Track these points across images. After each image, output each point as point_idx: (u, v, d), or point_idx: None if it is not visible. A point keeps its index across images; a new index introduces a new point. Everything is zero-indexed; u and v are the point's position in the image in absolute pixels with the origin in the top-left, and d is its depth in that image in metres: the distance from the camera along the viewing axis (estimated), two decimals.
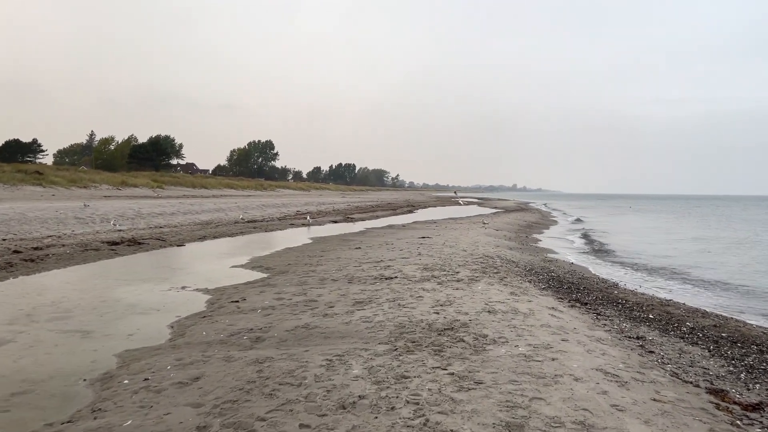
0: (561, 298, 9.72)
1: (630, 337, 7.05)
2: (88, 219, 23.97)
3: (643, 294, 11.34)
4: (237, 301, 9.38)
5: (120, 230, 21.73)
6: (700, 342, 7.17)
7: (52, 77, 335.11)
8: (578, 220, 49.02)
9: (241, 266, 14.15)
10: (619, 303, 9.71)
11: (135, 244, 18.09)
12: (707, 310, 9.99)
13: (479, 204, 77.77)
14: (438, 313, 7.86)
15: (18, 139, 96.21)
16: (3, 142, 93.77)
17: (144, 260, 15.19)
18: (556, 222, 43.92)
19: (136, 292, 10.57)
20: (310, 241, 20.92)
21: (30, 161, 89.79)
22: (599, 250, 22.86)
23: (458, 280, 10.78)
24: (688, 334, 7.58)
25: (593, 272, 14.97)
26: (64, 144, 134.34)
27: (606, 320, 8.15)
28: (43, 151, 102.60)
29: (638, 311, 9.06)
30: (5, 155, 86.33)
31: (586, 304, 9.37)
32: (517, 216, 44.45)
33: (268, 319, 7.92)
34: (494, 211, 55.08)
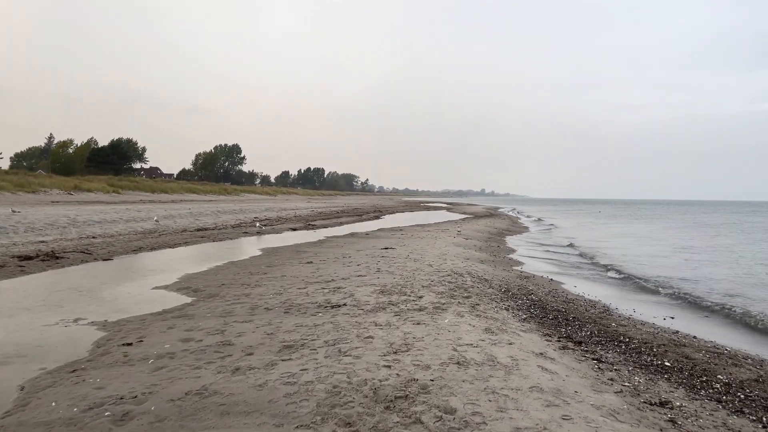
0: (548, 334, 7.75)
1: (651, 404, 5.10)
2: (10, 229, 21.19)
3: (643, 324, 9.44)
4: (130, 344, 7.14)
5: (43, 241, 19.12)
6: (746, 410, 5.27)
7: (11, 76, 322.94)
8: (549, 226, 47.73)
9: (165, 287, 11.86)
10: (621, 341, 7.79)
11: (52, 258, 15.57)
12: (731, 347, 8.14)
13: (448, 209, 76.19)
14: (390, 367, 5.79)
15: None
16: None
17: (49, 280, 12.73)
18: (527, 228, 42.44)
19: (9, 328, 8.23)
20: (260, 253, 18.65)
21: None
22: (578, 261, 21.16)
23: (420, 309, 8.74)
24: (726, 395, 5.70)
25: (577, 291, 13.10)
26: (23, 147, 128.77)
27: (612, 371, 6.20)
28: None
29: (648, 354, 7.15)
30: None
31: (580, 343, 7.42)
32: (486, 222, 42.82)
33: (155, 377, 5.73)
34: (463, 216, 53.44)
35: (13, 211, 26.12)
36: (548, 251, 24.78)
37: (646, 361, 6.80)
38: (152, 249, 19.16)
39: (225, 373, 5.76)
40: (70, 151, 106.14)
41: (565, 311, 9.61)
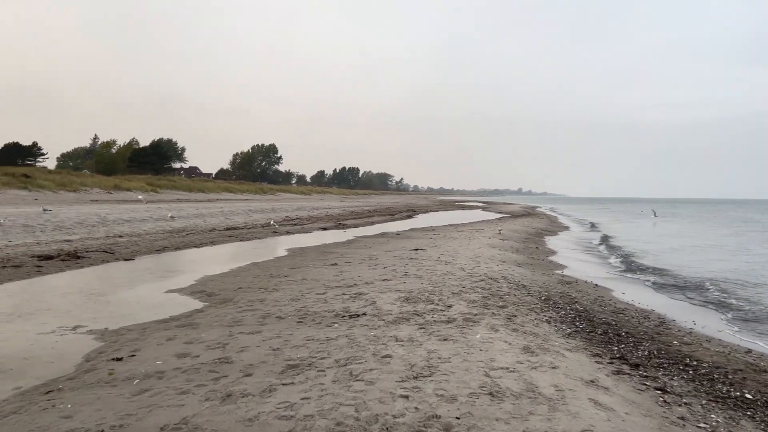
0: (598, 354, 6.64)
1: None
2: (37, 227, 21.05)
3: (709, 341, 8.18)
4: (120, 359, 6.37)
5: (68, 240, 18.82)
6: None
7: (60, 81, 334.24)
8: (591, 226, 45.83)
9: (179, 290, 11.17)
10: (687, 364, 6.61)
11: (73, 258, 15.12)
12: None
13: (483, 208, 74.53)
14: (407, 397, 4.82)
15: (17, 143, 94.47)
16: (2, 146, 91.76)
17: (63, 282, 12.20)
18: (566, 228, 40.73)
19: (1, 336, 7.60)
20: (285, 254, 17.91)
21: (30, 165, 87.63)
22: (623, 263, 19.73)
23: (449, 321, 7.73)
24: None
25: (626, 299, 11.84)
26: (70, 148, 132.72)
27: (681, 405, 5.09)
28: (43, 154, 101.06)
29: (723, 382, 5.98)
30: (3, 159, 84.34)
31: (637, 366, 6.29)
32: (524, 222, 41.29)
33: (133, 404, 4.90)
34: (499, 216, 51.91)
35: (44, 210, 26.15)
36: (590, 253, 23.34)
37: (722, 392, 5.64)
38: (177, 249, 18.64)
39: (213, 401, 4.88)
40: (113, 151, 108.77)
41: (616, 324, 8.43)
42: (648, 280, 15.90)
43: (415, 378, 5.33)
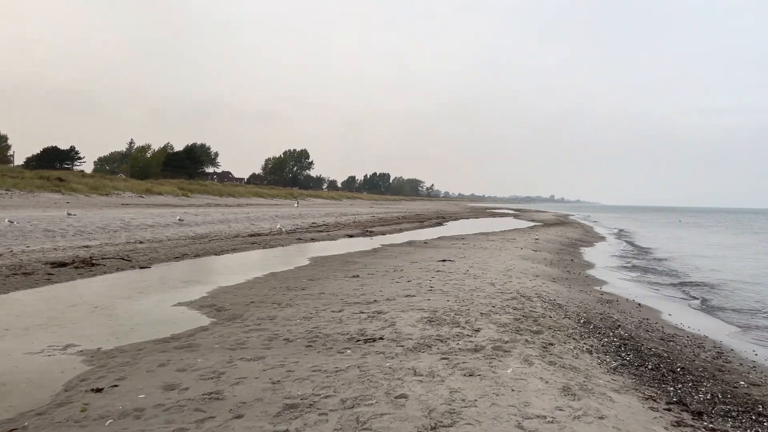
0: (651, 398, 5.61)
1: None
2: (58, 232, 20.80)
3: None
4: (101, 390, 5.64)
5: (87, 246, 18.47)
6: None
7: (100, 88, 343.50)
8: (628, 236, 44.04)
9: (188, 304, 10.49)
10: (759, 413, 5.53)
11: (87, 265, 14.67)
12: None
13: (515, 216, 72.92)
14: None
15: (56, 146, 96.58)
16: (41, 149, 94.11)
17: (70, 291, 11.65)
18: (603, 239, 39.15)
19: None
20: (307, 263, 17.18)
21: (68, 168, 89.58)
22: (666, 279, 18.41)
23: (476, 349, 6.80)
24: None
25: (673, 321, 10.70)
26: (106, 152, 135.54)
27: None
28: (80, 158, 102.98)
29: None
30: (43, 162, 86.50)
31: (700, 414, 5.26)
32: (557, 231, 39.85)
33: None
34: (531, 224, 50.47)
35: (69, 214, 26.04)
36: (630, 266, 21.99)
37: None
38: (196, 256, 18.09)
39: None
40: (148, 155, 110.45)
41: (668, 356, 7.33)
42: (695, 298, 14.64)
43: (434, 429, 4.43)
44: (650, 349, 7.59)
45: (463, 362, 6.26)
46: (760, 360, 8.16)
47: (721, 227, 67.95)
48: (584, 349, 7.20)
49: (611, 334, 8.32)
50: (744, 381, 6.71)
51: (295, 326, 8.26)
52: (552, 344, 7.20)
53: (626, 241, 37.61)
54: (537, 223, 51.89)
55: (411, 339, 7.32)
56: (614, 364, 6.64)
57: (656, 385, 6.13)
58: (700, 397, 5.87)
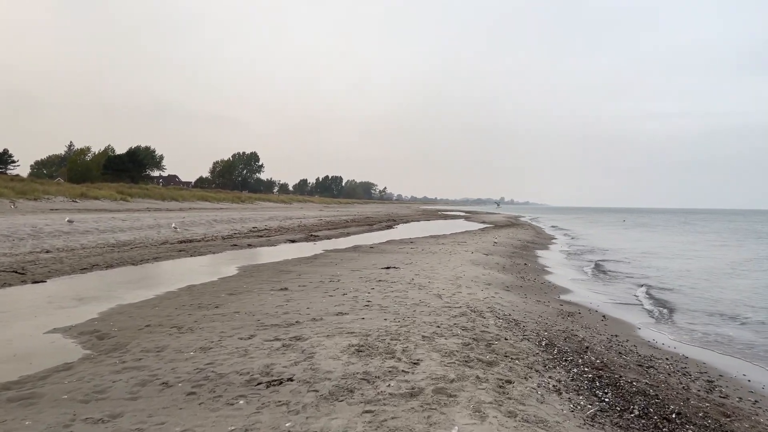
0: None
1: None
2: None
3: None
4: None
5: None
6: None
7: (41, 84, 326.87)
8: (578, 237, 43.64)
9: (65, 330, 8.46)
10: None
11: None
12: None
13: (466, 218, 72.23)
14: None
15: None
16: None
17: None
18: (554, 240, 38.46)
19: None
20: (235, 272, 15.25)
21: (1, 173, 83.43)
22: (626, 284, 17.32)
23: (412, 394, 5.15)
24: None
25: (645, 336, 9.37)
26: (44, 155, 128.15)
27: None
28: (14, 162, 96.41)
29: None
30: None
31: None
32: (508, 233, 38.93)
33: None
34: (482, 226, 49.61)
35: None
36: (584, 269, 20.93)
37: None
38: (108, 267, 15.85)
39: None
40: (88, 158, 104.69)
41: (655, 393, 5.80)
42: (659, 304, 13.53)
43: None
44: (631, 382, 6.09)
45: (393, 417, 4.59)
46: (756, 387, 6.85)
47: (662, 227, 69.19)
48: (551, 386, 5.63)
49: (580, 360, 6.80)
50: (741, 420, 5.28)
51: (185, 362, 6.41)
52: (510, 381, 5.61)
53: (578, 243, 36.99)
54: (488, 225, 51.07)
55: (329, 379, 5.60)
56: (591, 409, 5.09)
57: None
58: None
